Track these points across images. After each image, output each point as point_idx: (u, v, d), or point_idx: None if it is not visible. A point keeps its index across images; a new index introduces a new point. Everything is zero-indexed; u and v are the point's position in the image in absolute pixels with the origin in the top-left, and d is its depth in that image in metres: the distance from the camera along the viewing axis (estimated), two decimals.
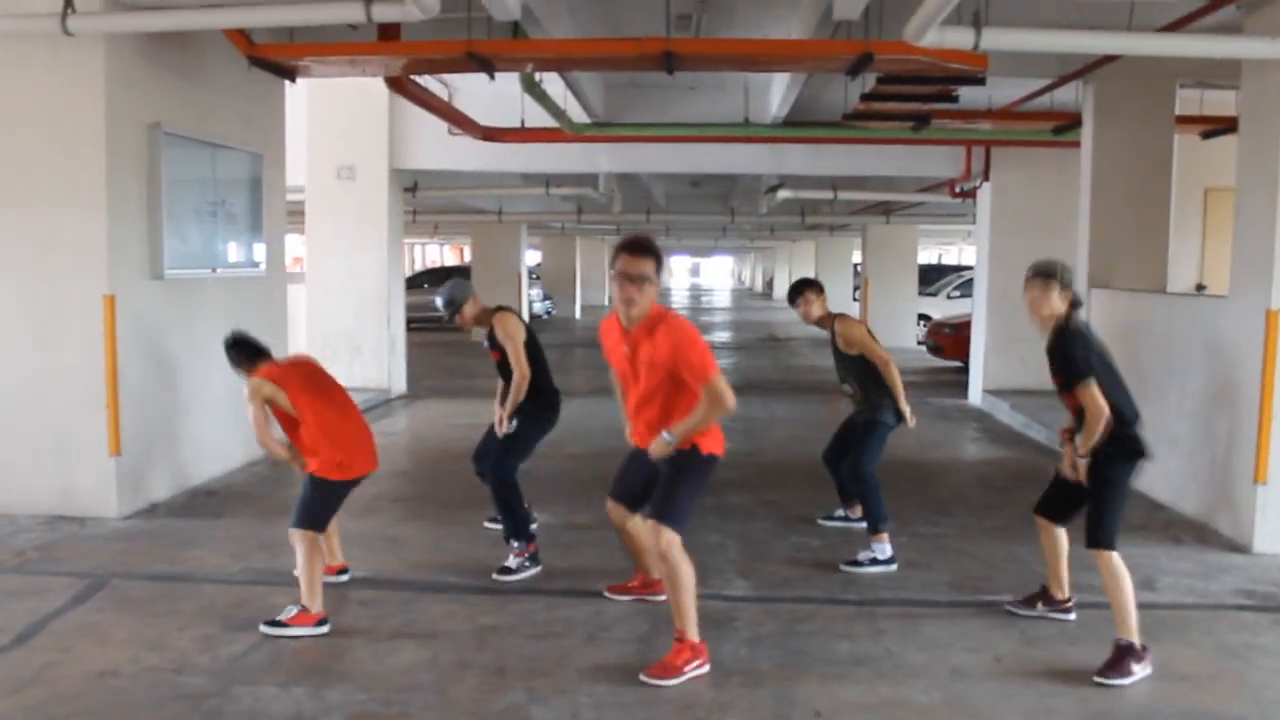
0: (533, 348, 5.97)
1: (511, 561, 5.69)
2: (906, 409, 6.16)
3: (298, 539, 4.78)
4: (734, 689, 4.22)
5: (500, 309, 6.05)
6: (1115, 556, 4.37)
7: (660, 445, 4.45)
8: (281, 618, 4.70)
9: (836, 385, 6.61)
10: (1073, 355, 4.47)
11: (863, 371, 6.17)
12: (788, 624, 4.99)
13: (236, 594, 5.28)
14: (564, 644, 4.69)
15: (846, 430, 6.50)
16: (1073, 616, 5.04)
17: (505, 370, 5.97)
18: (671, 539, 4.34)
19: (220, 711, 3.94)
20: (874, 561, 5.89)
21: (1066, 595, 5.08)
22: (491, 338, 5.98)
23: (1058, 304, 4.57)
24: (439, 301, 6.00)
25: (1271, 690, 4.31)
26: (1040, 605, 5.10)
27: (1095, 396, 4.39)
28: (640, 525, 4.91)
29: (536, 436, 6.06)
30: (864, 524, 6.21)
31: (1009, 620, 5.03)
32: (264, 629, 4.68)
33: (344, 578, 5.55)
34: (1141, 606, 4.43)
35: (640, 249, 4.36)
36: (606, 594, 5.32)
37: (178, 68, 7.21)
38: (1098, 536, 4.41)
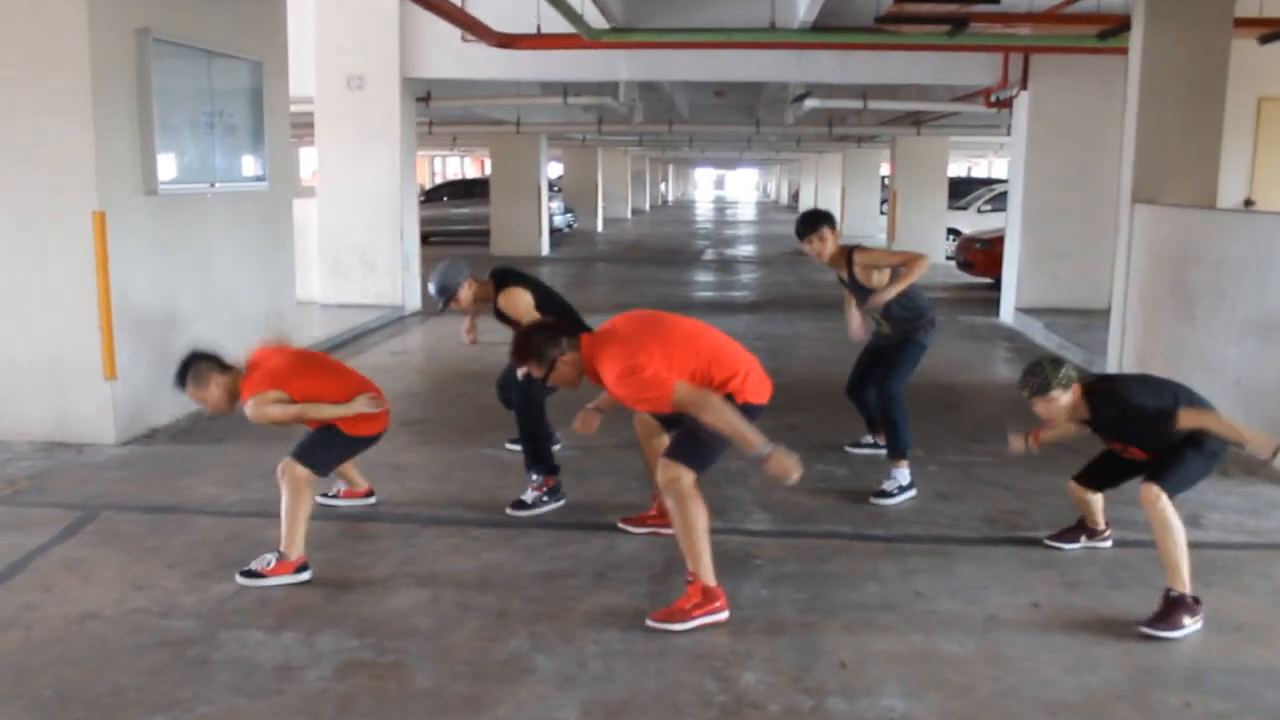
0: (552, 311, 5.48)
1: (528, 495, 5.41)
2: (885, 297, 5.60)
3: (290, 475, 4.40)
4: (753, 636, 3.95)
5: (505, 284, 5.56)
6: (1170, 503, 4.03)
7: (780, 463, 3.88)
8: (257, 567, 4.38)
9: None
10: (1143, 406, 4.12)
11: (890, 301, 5.77)
12: (811, 562, 4.71)
13: (231, 527, 5.03)
14: (572, 583, 4.42)
15: (870, 357, 6.08)
16: (1110, 543, 4.84)
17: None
18: (679, 473, 3.97)
19: (204, 660, 3.69)
20: (900, 489, 5.60)
21: (1104, 526, 4.86)
22: (499, 314, 5.59)
23: (1068, 400, 4.16)
24: (431, 289, 5.51)
25: None
26: (1083, 539, 4.86)
27: (1196, 416, 4.09)
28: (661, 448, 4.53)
29: None
30: None
31: (1046, 560, 4.73)
32: (240, 580, 4.35)
33: (371, 500, 5.39)
34: (1189, 546, 4.08)
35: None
36: (621, 525, 5.05)
37: None
38: (1167, 481, 4.05)
